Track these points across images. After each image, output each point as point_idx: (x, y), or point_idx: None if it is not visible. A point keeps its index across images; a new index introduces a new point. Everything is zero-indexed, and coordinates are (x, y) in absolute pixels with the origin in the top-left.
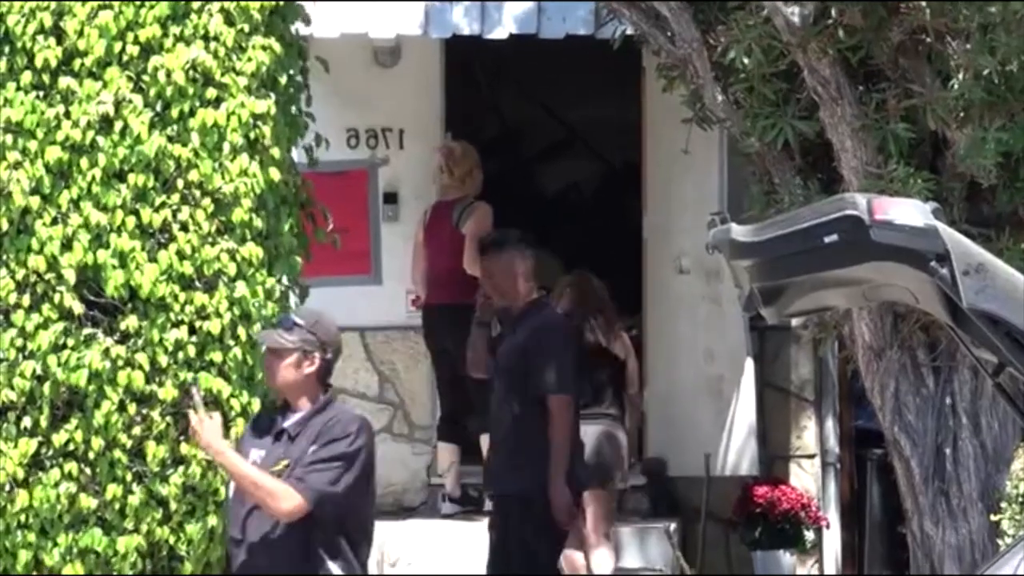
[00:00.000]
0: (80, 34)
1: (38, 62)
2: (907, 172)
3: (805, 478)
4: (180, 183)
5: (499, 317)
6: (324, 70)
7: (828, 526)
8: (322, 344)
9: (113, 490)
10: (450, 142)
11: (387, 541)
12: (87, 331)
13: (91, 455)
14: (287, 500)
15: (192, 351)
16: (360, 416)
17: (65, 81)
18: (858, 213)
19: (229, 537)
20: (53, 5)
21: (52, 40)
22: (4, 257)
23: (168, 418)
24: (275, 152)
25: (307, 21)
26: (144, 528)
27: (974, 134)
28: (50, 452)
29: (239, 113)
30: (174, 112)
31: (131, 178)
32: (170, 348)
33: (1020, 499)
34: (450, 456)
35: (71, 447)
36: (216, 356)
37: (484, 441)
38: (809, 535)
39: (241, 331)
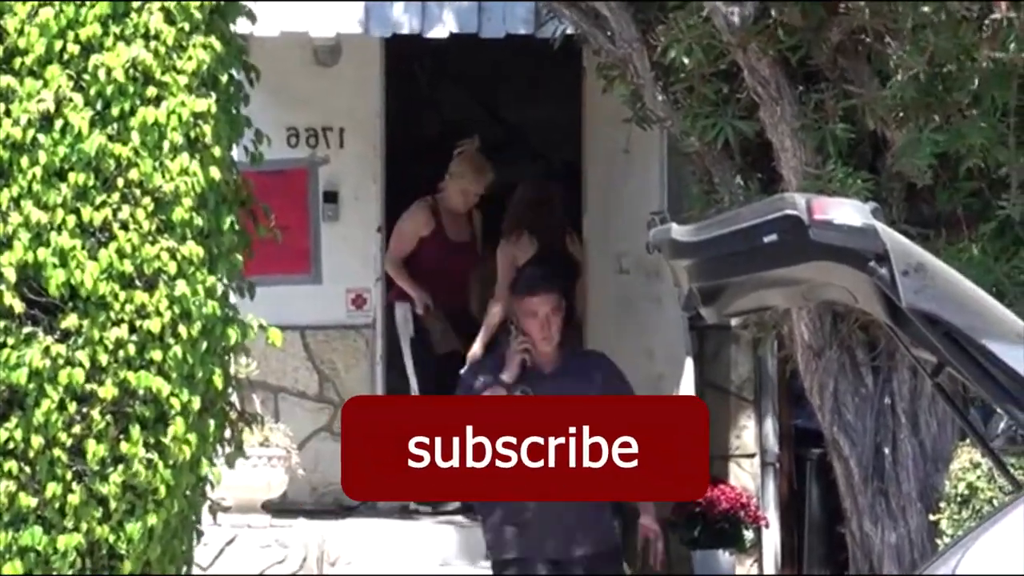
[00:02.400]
0: (20, 32)
1: None
2: (846, 172)
3: (744, 477)
4: (120, 182)
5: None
6: (257, 76)
7: (767, 525)
8: None
9: (53, 488)
10: (473, 144)
11: (327, 540)
12: (27, 329)
13: (31, 453)
14: None
15: (132, 350)
16: None
17: (5, 79)
18: (797, 213)
19: None
20: None
21: None
22: None
23: (108, 417)
24: (216, 151)
25: (252, 18)
26: (84, 527)
27: (909, 135)
28: None
29: (180, 112)
30: (114, 111)
31: (72, 177)
32: (110, 347)
33: (959, 499)
34: None
35: (10, 445)
36: (156, 355)
37: None
38: (748, 534)
39: (182, 329)
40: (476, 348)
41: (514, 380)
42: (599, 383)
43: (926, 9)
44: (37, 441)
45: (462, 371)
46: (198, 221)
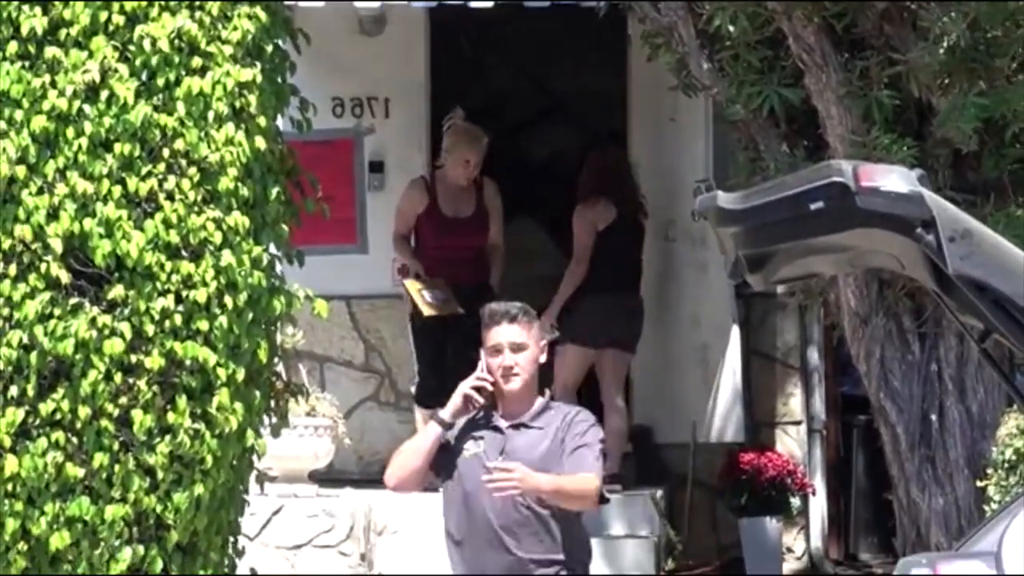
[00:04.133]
0: (65, 4)
1: (23, 31)
2: (891, 139)
3: (791, 444)
4: (166, 152)
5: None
6: (308, 41)
7: (814, 492)
8: None
9: (100, 459)
10: (458, 115)
11: (374, 509)
12: (73, 300)
13: (78, 424)
14: None
15: (178, 320)
16: None
17: (51, 51)
18: (844, 180)
19: None
20: None
21: (38, 10)
22: None
23: (154, 387)
24: (261, 121)
25: None
26: (131, 497)
27: (954, 100)
28: (37, 421)
29: (225, 82)
30: (160, 81)
31: (117, 147)
32: (156, 317)
33: (1006, 465)
34: None
35: (58, 416)
36: (202, 325)
37: None
38: (795, 502)
39: (228, 300)
40: (548, 312)
41: (453, 418)
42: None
43: None
44: (84, 412)
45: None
46: (244, 191)
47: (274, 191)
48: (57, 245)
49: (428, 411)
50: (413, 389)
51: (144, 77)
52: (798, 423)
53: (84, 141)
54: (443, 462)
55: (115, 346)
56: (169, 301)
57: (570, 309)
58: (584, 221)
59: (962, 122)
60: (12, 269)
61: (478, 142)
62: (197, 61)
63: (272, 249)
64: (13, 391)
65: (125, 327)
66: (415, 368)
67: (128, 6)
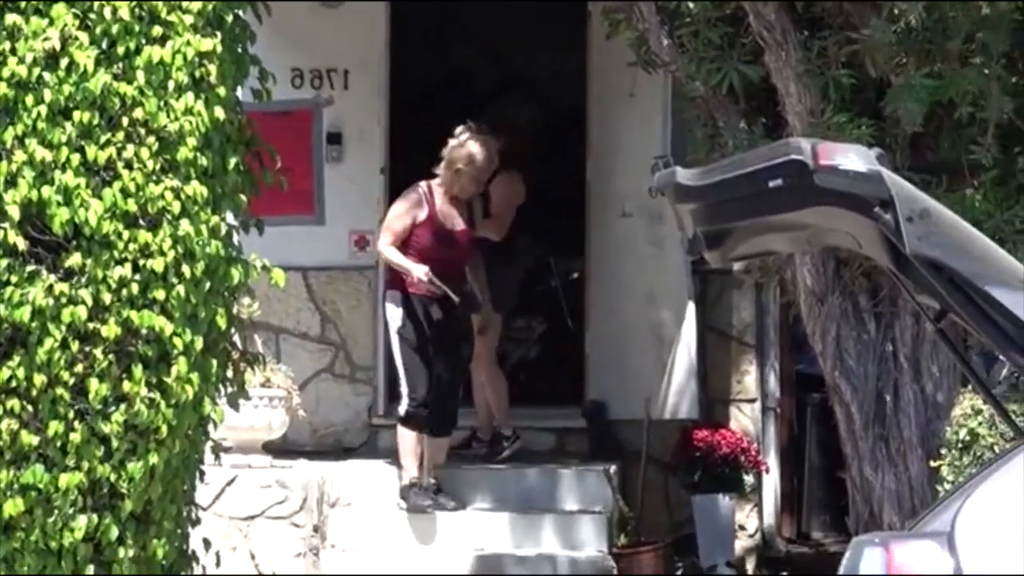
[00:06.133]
0: None
1: None
2: (848, 117)
3: (745, 422)
4: (125, 121)
5: None
6: (268, 12)
7: (767, 470)
8: None
9: (55, 427)
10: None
11: (327, 480)
12: (31, 268)
13: (33, 392)
14: None
15: (135, 289)
16: None
17: (11, 18)
18: (802, 158)
19: None
20: None
21: None
22: None
23: (111, 356)
24: (221, 91)
25: None
26: (85, 465)
27: (904, 79)
28: None
29: (185, 51)
30: (120, 49)
31: (76, 115)
32: (114, 285)
33: (960, 445)
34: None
35: (13, 384)
36: (159, 294)
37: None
38: (748, 479)
39: (185, 269)
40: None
41: None
42: None
43: None
44: (39, 379)
45: None
46: (202, 161)
47: (233, 161)
48: (15, 212)
49: (416, 433)
50: (402, 411)
51: (104, 45)
52: (752, 401)
53: (43, 109)
54: None
55: (77, 314)
56: (126, 270)
57: (500, 282)
58: (506, 187)
59: (910, 102)
60: None
61: (495, 155)
62: (157, 30)
63: (230, 219)
64: None
65: (86, 295)
66: (403, 389)
67: None
